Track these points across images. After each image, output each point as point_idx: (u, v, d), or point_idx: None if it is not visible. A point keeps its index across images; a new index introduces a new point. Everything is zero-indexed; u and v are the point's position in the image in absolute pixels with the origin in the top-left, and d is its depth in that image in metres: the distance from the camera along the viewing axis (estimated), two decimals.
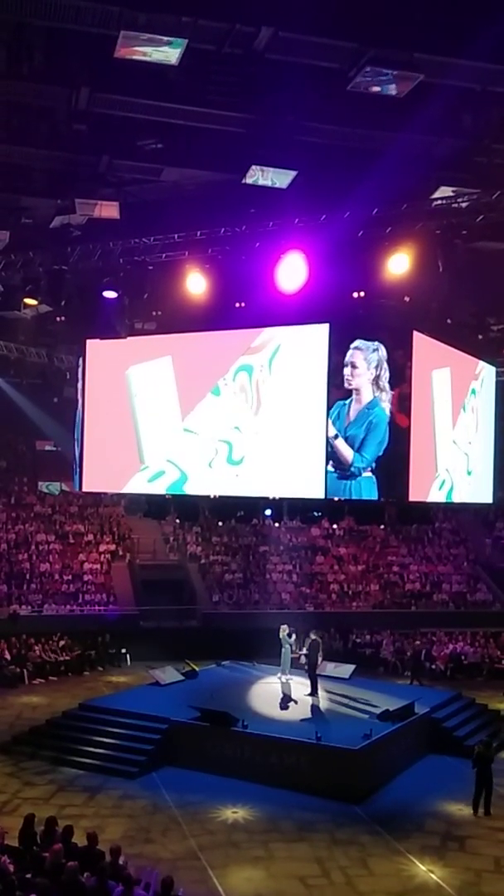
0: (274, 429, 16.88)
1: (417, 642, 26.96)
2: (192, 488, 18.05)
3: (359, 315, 16.96)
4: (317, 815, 14.85)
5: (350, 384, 15.88)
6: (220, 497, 18.59)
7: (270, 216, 15.64)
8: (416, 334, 16.12)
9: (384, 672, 26.47)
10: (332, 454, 15.91)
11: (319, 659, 19.94)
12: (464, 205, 15.01)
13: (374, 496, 15.91)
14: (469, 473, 19.30)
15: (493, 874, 12.97)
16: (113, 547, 31.91)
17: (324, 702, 19.28)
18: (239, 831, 14.22)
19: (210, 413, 17.58)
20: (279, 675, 20.48)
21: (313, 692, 19.42)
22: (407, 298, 16.86)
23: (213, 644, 25.53)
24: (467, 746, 17.60)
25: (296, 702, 19.06)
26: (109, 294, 17.61)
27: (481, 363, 19.73)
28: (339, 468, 15.87)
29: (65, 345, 24.69)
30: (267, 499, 19.03)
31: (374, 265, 15.90)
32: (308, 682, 19.58)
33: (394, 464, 15.76)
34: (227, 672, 22.72)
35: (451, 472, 18.23)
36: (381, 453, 15.70)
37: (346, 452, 15.80)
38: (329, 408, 15.99)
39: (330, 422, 15.93)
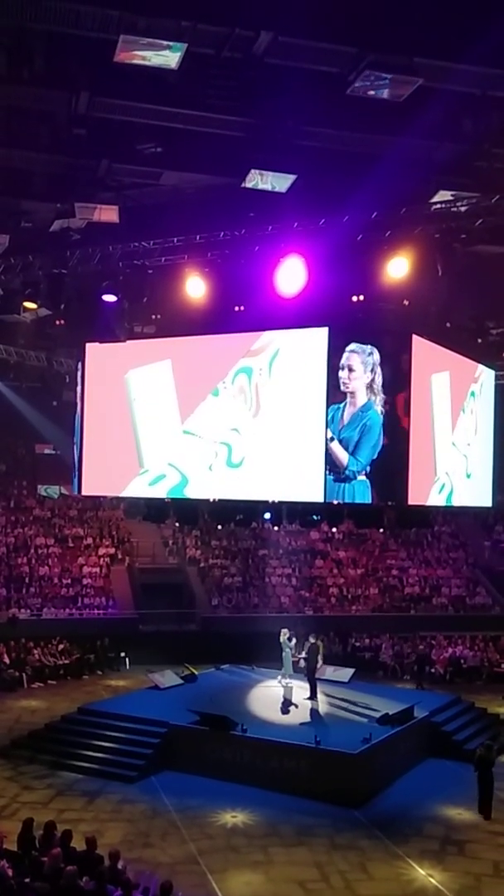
0: (273, 432, 16.89)
1: (422, 646, 26.94)
2: (193, 492, 18.04)
3: (358, 319, 16.96)
4: (316, 819, 14.84)
5: (347, 387, 15.90)
6: (219, 500, 18.59)
7: (270, 220, 15.64)
8: (415, 338, 16.13)
9: (383, 676, 26.46)
10: (328, 458, 15.92)
11: (320, 662, 19.93)
12: (463, 209, 15.01)
13: (368, 500, 15.92)
14: (468, 476, 19.30)
15: (492, 878, 12.96)
16: (112, 550, 31.90)
17: (323, 705, 19.27)
18: (238, 835, 14.21)
19: (209, 415, 17.59)
20: (279, 678, 20.47)
21: (312, 696, 19.42)
22: (406, 302, 16.85)
23: (212, 648, 25.51)
24: (467, 750, 17.62)
25: (295, 706, 19.06)
26: (109, 298, 17.60)
27: (480, 367, 19.74)
28: (335, 471, 15.89)
29: (64, 348, 24.68)
30: (266, 502, 19.03)
31: (373, 269, 15.90)
32: (307, 685, 19.58)
33: (389, 467, 15.77)
34: (226, 676, 22.72)
35: (450, 475, 18.24)
36: (375, 456, 15.71)
37: (341, 455, 15.82)
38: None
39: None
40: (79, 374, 20.18)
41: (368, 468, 15.70)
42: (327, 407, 16.02)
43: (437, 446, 17.47)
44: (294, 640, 20.74)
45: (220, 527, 31.17)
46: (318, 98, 12.67)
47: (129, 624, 28.45)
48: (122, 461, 18.74)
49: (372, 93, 11.65)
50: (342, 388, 15.90)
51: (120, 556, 31.73)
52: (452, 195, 14.79)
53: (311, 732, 16.80)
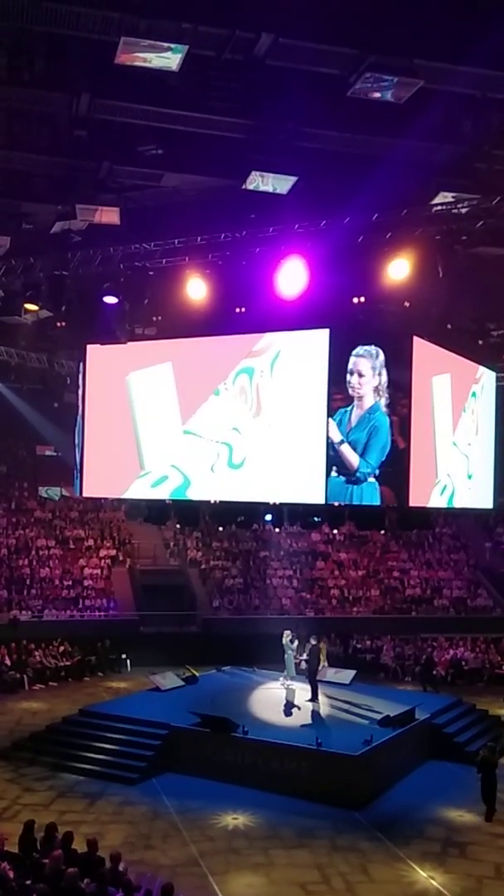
0: (274, 433, 16.89)
1: (430, 649, 26.91)
2: (195, 493, 18.04)
3: (359, 320, 16.97)
4: (317, 821, 14.83)
5: (356, 392, 15.92)
6: (220, 502, 18.58)
7: (271, 222, 15.64)
8: (416, 340, 16.13)
9: (385, 677, 26.46)
10: (338, 460, 15.94)
11: (321, 664, 19.91)
12: (464, 210, 15.00)
13: (377, 501, 15.93)
14: (469, 477, 19.30)
15: (493, 881, 12.95)
16: (113, 552, 31.90)
17: (324, 707, 19.26)
18: (239, 837, 14.20)
19: (210, 414, 17.59)
20: (281, 679, 20.45)
21: (313, 698, 19.41)
22: (407, 304, 16.86)
23: (213, 649, 25.50)
24: (468, 752, 17.62)
25: (297, 707, 19.05)
26: (110, 299, 17.62)
27: (481, 368, 19.73)
28: (346, 473, 15.90)
29: (65, 350, 24.70)
30: (267, 504, 19.01)
31: (374, 270, 15.90)
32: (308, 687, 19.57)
33: (402, 468, 15.80)
34: (227, 678, 22.71)
35: (452, 477, 18.23)
36: (384, 458, 15.72)
37: (352, 458, 15.84)
38: (332, 414, 16.01)
39: (336, 428, 15.96)
40: (80, 375, 20.19)
41: (378, 470, 15.73)
42: (328, 409, 16.02)
43: (438, 449, 17.46)
44: (296, 642, 20.73)
45: (221, 528, 31.15)
46: (318, 100, 12.68)
47: (130, 625, 28.45)
48: (123, 463, 18.74)
49: (373, 95, 11.64)
50: (351, 392, 15.92)
51: (121, 558, 31.72)
52: (453, 197, 14.79)
53: (313, 734, 16.79)
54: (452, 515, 33.36)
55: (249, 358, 17.17)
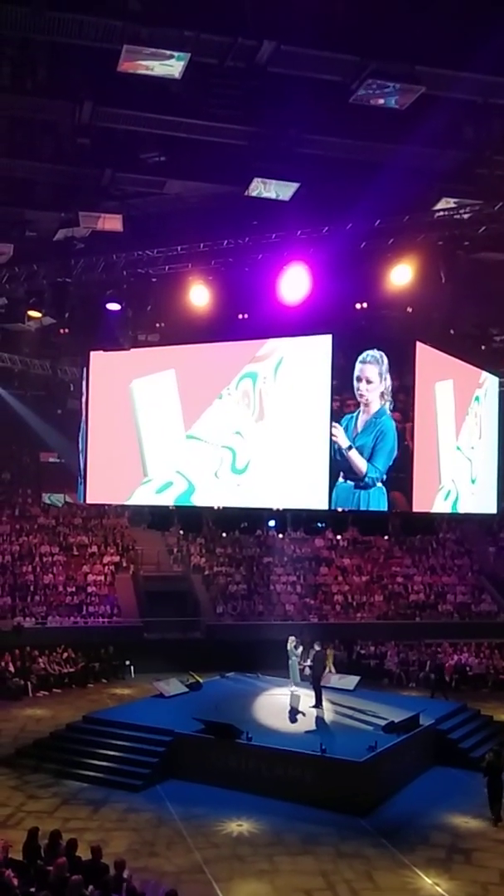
0: (277, 439, 16.91)
1: (441, 656, 26.85)
2: (200, 499, 18.05)
3: (361, 326, 17.01)
4: (322, 827, 14.79)
5: (363, 398, 15.94)
6: (223, 508, 18.59)
7: (273, 228, 15.69)
8: (419, 345, 16.16)
9: (389, 683, 26.41)
10: (346, 465, 15.96)
11: (326, 670, 19.88)
12: (466, 216, 15.05)
13: (384, 507, 15.94)
14: (473, 481, 19.30)
15: (499, 887, 12.90)
16: (117, 558, 31.88)
17: (328, 714, 19.23)
18: (244, 844, 14.16)
19: (213, 419, 17.61)
20: (292, 687, 20.37)
21: (318, 704, 19.37)
22: (409, 309, 16.90)
23: (217, 656, 25.47)
24: (473, 758, 17.57)
25: (301, 713, 19.01)
26: (113, 306, 17.68)
27: (484, 373, 19.75)
28: (354, 479, 15.92)
29: (68, 357, 24.75)
30: (270, 510, 19.03)
31: (376, 276, 15.95)
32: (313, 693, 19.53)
33: (404, 474, 15.81)
34: (231, 684, 22.68)
35: (456, 482, 18.23)
36: (391, 463, 15.74)
37: (360, 463, 15.86)
38: (338, 419, 16.04)
39: (343, 434, 15.98)
40: (83, 382, 20.23)
41: (385, 475, 15.74)
42: (331, 414, 16.05)
43: (442, 454, 17.47)
44: (301, 648, 20.70)
45: (224, 534, 31.15)
46: (320, 107, 12.72)
47: (133, 632, 28.43)
48: (126, 469, 18.76)
49: (375, 101, 11.67)
50: (358, 398, 15.95)
51: (124, 564, 31.71)
52: (455, 202, 14.83)
53: (317, 740, 16.76)
54: (456, 520, 33.34)
55: (253, 363, 17.21)
